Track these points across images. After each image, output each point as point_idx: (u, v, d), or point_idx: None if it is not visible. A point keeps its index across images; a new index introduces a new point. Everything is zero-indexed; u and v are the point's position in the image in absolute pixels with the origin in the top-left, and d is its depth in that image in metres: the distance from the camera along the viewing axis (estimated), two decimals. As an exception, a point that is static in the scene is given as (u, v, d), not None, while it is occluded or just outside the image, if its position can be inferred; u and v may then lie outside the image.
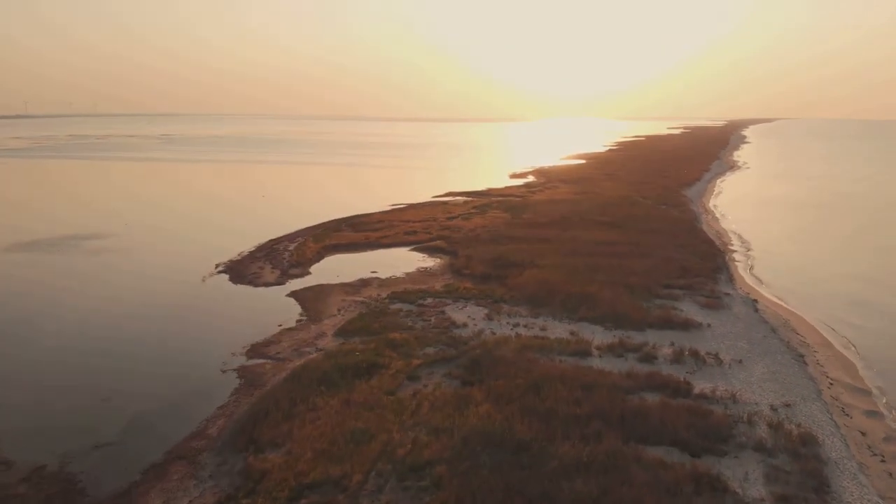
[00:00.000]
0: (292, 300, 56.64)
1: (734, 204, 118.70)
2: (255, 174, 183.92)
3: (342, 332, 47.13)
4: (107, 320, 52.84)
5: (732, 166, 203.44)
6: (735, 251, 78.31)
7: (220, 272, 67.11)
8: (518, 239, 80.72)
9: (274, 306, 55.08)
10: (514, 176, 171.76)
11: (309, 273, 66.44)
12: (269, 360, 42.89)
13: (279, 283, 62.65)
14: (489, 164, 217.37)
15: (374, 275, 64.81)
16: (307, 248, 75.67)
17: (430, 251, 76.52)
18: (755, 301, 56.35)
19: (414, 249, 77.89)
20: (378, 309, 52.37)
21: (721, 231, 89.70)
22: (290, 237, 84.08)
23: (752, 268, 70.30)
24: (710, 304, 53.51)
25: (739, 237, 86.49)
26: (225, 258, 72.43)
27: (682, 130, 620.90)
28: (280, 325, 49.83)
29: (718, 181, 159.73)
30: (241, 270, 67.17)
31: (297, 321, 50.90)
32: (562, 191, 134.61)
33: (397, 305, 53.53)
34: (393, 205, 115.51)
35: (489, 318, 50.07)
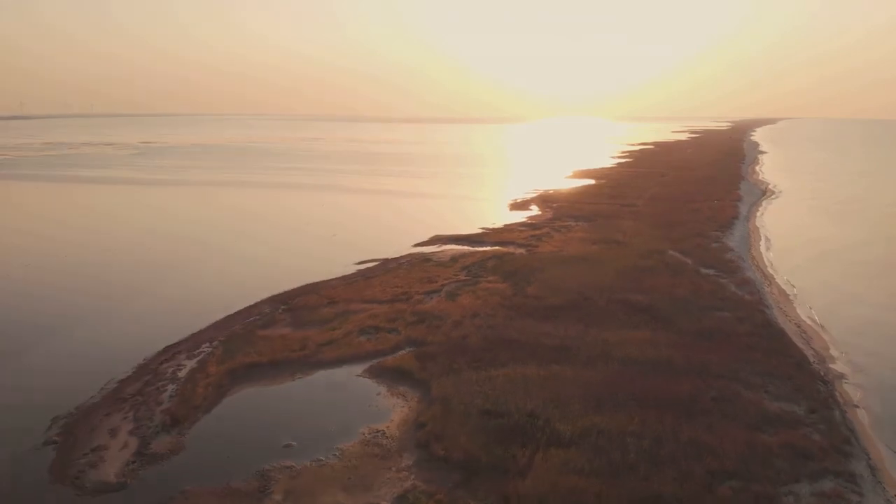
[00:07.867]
0: (115, 551, 31.39)
1: (801, 267, 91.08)
2: (208, 207, 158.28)
3: None
4: None
5: (765, 190, 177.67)
6: (841, 373, 52.83)
7: (49, 441, 41.81)
8: (522, 347, 55.87)
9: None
10: (514, 206, 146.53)
11: (181, 449, 40.85)
12: None
13: (120, 481, 37.09)
14: (487, 185, 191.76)
15: (286, 456, 39.57)
16: (202, 380, 50.06)
17: (390, 379, 51.11)
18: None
19: (366, 373, 52.50)
20: None
21: (806, 329, 63.60)
22: (193, 342, 58.72)
23: (892, 427, 44.77)
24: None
25: (836, 343, 60.34)
26: (77, 399, 47.22)
27: (688, 135, 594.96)
28: None
29: (758, 216, 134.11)
30: (80, 439, 41.82)
31: None
32: (575, 236, 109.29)
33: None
34: (361, 263, 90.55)
35: None
